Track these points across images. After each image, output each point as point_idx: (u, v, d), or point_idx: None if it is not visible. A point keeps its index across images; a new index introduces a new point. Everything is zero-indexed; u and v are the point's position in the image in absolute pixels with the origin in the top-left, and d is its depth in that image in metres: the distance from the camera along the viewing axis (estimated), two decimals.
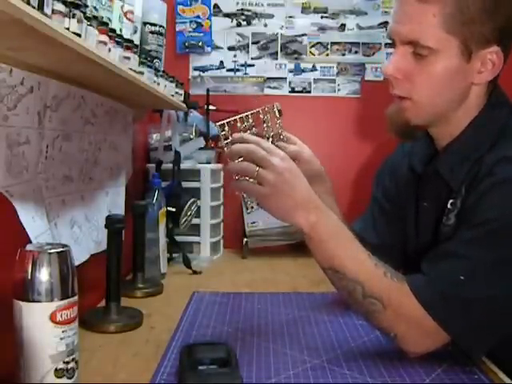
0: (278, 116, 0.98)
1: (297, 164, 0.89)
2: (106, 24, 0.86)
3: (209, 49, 2.04)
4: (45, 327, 0.66)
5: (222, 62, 2.06)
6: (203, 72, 2.05)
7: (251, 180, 0.84)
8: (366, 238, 1.16)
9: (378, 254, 1.13)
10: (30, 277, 0.65)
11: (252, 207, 0.95)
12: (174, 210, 1.55)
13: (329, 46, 2.07)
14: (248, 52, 2.06)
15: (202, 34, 2.03)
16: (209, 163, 1.80)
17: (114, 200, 1.32)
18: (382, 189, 1.19)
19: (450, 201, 0.94)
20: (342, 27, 2.06)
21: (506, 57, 0.91)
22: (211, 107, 1.90)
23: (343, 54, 2.07)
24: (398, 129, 0.98)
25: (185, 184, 1.69)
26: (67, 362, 0.67)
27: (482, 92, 0.94)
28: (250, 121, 0.94)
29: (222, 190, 1.90)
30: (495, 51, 0.89)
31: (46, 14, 0.61)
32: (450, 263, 0.84)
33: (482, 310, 0.82)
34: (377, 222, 1.18)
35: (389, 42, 0.95)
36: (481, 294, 0.82)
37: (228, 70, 2.06)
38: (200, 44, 2.03)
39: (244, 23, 2.04)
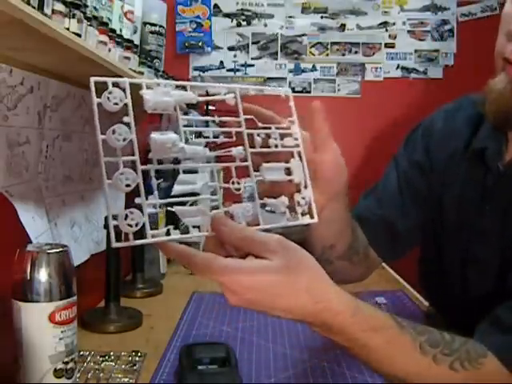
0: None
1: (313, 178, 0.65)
2: (106, 24, 0.86)
3: (209, 49, 2.04)
4: (44, 327, 0.66)
5: (222, 62, 2.06)
6: (203, 72, 2.05)
7: None
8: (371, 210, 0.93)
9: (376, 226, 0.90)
10: (29, 277, 0.65)
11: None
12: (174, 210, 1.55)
13: (329, 46, 2.07)
14: (248, 52, 2.06)
15: (202, 34, 2.03)
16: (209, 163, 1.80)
17: (114, 200, 1.32)
18: (414, 163, 0.94)
19: None
20: (342, 27, 2.06)
21: None
22: (211, 107, 1.90)
23: (343, 54, 2.07)
24: (503, 111, 0.78)
25: None
26: (66, 363, 0.67)
27: None
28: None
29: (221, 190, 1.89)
30: None
31: (45, 14, 0.62)
32: None
33: None
34: (391, 193, 0.94)
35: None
36: None
37: (228, 70, 2.06)
38: (200, 44, 2.03)
39: (244, 23, 2.04)
